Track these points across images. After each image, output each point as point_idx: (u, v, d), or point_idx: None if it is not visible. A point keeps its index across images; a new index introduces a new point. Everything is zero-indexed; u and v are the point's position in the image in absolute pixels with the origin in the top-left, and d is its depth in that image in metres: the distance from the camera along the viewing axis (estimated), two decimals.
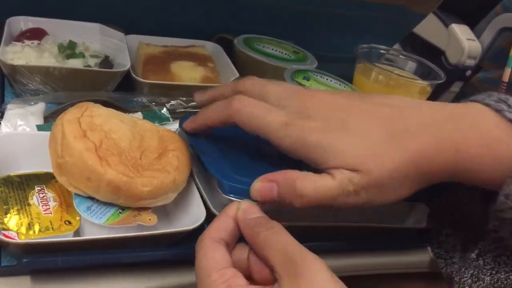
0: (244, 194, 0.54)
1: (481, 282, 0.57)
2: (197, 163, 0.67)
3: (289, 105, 0.55)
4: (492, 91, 0.56)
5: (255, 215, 0.50)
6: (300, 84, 0.84)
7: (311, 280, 0.42)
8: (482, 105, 0.54)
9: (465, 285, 0.58)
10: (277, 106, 0.55)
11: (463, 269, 0.58)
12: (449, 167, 0.52)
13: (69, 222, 0.57)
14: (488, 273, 0.57)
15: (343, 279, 0.44)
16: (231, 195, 0.56)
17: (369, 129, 0.52)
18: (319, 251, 0.45)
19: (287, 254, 0.45)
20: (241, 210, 0.51)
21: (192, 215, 0.62)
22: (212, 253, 0.47)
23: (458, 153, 0.51)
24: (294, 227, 0.50)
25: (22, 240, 0.53)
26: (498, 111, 0.52)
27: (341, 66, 0.97)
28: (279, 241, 0.46)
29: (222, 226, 0.50)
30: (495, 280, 0.56)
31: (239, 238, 0.50)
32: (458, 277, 0.58)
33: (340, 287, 0.42)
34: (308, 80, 0.87)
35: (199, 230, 0.59)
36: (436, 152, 0.51)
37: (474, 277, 0.58)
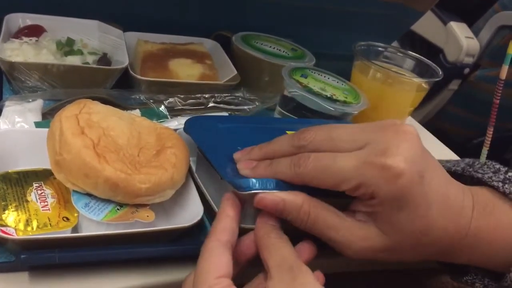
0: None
1: None
2: (199, 161, 0.67)
3: (369, 142, 0.50)
4: (497, 165, 0.59)
5: (272, 223, 0.53)
6: (297, 81, 0.84)
7: (305, 286, 0.45)
8: (491, 188, 0.57)
9: None
10: (351, 149, 0.51)
11: None
12: (465, 250, 0.55)
13: (67, 219, 0.57)
14: None
15: (344, 275, 0.46)
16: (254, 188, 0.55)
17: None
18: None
19: (286, 260, 0.47)
20: (263, 214, 0.54)
21: (190, 212, 0.62)
22: (216, 258, 0.48)
23: (476, 239, 0.54)
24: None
25: (20, 236, 0.53)
26: (506, 194, 0.56)
27: (339, 64, 0.97)
28: (283, 250, 0.49)
29: (226, 227, 0.51)
30: None
31: None
32: None
33: None
34: (306, 77, 0.87)
35: (197, 227, 0.59)
36: (457, 240, 0.54)
37: None
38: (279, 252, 0.49)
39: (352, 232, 0.52)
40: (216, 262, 0.48)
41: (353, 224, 0.52)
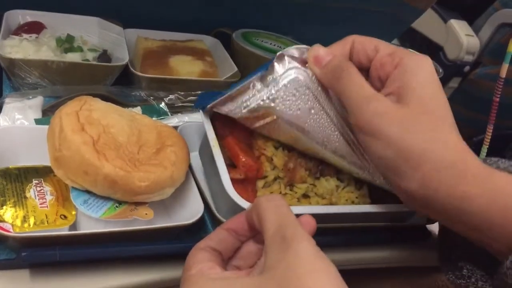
0: None
1: None
2: (197, 160, 0.67)
3: None
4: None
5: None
6: None
7: (296, 255, 0.41)
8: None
9: None
10: None
11: None
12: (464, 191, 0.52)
13: (65, 217, 0.57)
14: None
15: (349, 272, 0.45)
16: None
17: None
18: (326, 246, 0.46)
19: (280, 226, 0.45)
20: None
21: (191, 209, 0.62)
22: (193, 257, 0.47)
23: (475, 185, 0.51)
24: None
25: (18, 232, 0.53)
26: None
27: None
28: (276, 213, 0.46)
29: (211, 237, 0.50)
30: None
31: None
32: None
33: (326, 266, 0.41)
34: None
35: (197, 225, 0.59)
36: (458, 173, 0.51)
37: None
38: (272, 219, 0.46)
39: (369, 93, 0.54)
40: (192, 259, 0.47)
41: (374, 93, 0.54)
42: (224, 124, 0.65)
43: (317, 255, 0.42)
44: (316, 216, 0.52)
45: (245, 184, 0.63)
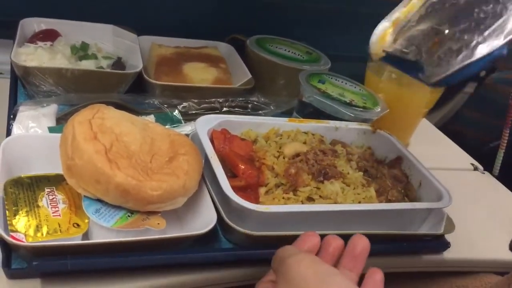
0: None
1: None
2: (209, 169, 0.67)
3: None
4: None
5: None
6: (315, 87, 0.84)
7: (290, 277, 0.45)
8: None
9: None
10: None
11: None
12: None
13: (78, 225, 0.57)
14: None
15: None
16: None
17: None
18: None
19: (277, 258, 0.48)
20: None
21: (204, 218, 0.62)
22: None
23: None
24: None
25: (30, 242, 0.53)
26: None
27: (353, 65, 0.96)
28: (279, 250, 0.49)
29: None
30: None
31: None
32: None
33: (325, 270, 0.44)
34: (323, 83, 0.86)
35: (210, 234, 0.59)
36: None
37: None
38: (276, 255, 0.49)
39: None
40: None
41: None
42: (223, 142, 0.70)
43: (310, 266, 0.45)
44: (318, 213, 0.52)
45: (247, 192, 0.65)
